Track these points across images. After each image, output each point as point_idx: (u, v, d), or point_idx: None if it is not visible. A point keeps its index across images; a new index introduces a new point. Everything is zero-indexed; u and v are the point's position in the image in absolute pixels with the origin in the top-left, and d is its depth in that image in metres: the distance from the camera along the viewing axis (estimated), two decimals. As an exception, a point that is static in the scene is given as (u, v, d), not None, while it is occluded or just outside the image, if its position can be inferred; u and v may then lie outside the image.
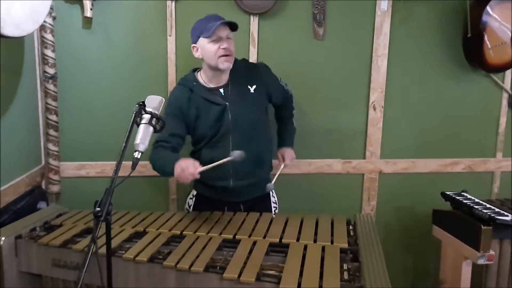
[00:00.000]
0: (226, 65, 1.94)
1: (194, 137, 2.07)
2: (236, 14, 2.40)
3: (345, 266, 1.51)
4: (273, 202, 2.16)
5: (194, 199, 2.16)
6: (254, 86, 2.03)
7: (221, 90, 2.00)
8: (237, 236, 1.75)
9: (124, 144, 1.32)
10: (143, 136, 1.38)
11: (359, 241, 1.71)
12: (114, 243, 1.68)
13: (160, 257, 1.59)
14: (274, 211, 2.14)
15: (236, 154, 1.76)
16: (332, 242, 1.69)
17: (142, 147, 1.36)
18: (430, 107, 2.63)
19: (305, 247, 1.64)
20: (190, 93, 1.99)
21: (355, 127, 2.61)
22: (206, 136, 2.00)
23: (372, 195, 2.66)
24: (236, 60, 2.03)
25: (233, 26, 1.95)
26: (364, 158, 2.63)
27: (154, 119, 1.41)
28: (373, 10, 2.49)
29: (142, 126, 1.40)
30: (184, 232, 1.79)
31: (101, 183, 2.55)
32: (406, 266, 2.75)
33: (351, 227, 1.88)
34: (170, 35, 2.42)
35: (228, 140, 1.98)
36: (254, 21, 2.44)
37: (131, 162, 1.37)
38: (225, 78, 2.00)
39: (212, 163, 1.83)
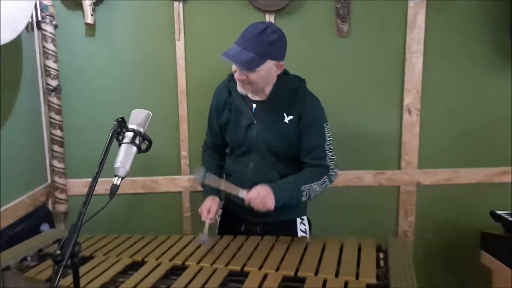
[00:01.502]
0: (241, 90, 1.72)
1: (228, 143, 1.92)
2: (250, 13, 2.20)
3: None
4: (302, 231, 1.87)
5: (222, 209, 1.98)
6: (291, 118, 1.74)
7: (254, 105, 1.77)
8: (246, 268, 1.51)
9: (97, 170, 1.12)
10: (124, 158, 1.18)
11: (390, 275, 1.43)
12: (107, 276, 1.49)
13: (155, 295, 1.39)
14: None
15: (203, 238, 1.67)
16: (357, 277, 1.42)
17: (122, 172, 1.16)
18: (473, 108, 2.30)
19: (324, 283, 1.39)
20: (228, 94, 1.82)
21: (388, 134, 2.32)
22: (233, 145, 1.86)
23: (410, 210, 2.36)
24: (288, 79, 1.77)
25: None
26: (399, 168, 2.34)
27: (138, 137, 1.20)
28: (405, 1, 2.20)
29: (123, 147, 1.19)
30: (186, 263, 1.58)
31: (111, 200, 2.40)
32: (449, 289, 2.42)
33: (381, 255, 1.60)
34: (178, 39, 2.23)
35: (249, 158, 1.80)
36: (270, 20, 2.20)
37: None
38: (264, 93, 1.75)
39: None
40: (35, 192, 2.14)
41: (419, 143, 2.31)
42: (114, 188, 1.15)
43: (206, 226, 1.71)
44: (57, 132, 2.21)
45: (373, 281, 1.39)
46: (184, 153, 2.35)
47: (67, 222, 2.36)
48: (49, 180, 2.29)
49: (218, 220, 1.96)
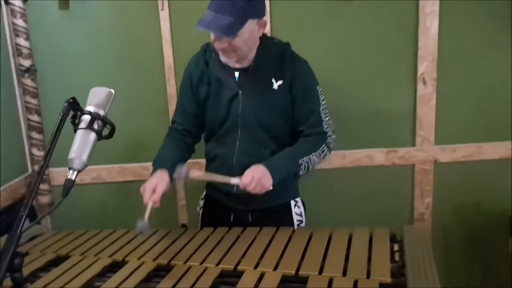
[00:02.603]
0: (225, 60, 1.52)
1: (205, 124, 1.67)
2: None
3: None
4: (297, 214, 1.68)
5: (203, 200, 1.79)
6: (280, 82, 1.54)
7: (236, 74, 1.55)
8: (239, 267, 1.31)
9: (42, 163, 0.91)
10: (80, 147, 0.97)
11: (406, 271, 1.22)
12: (81, 280, 1.30)
13: (134, 302, 1.20)
14: (298, 224, 1.68)
15: (142, 225, 1.37)
16: (368, 275, 1.21)
17: (78, 164, 0.95)
18: (496, 77, 2.04)
19: (330, 283, 1.18)
20: (205, 66, 1.59)
21: (401, 107, 2.08)
22: (213, 124, 1.62)
23: (426, 191, 2.13)
24: (272, 42, 1.57)
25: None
26: (414, 145, 2.10)
27: (97, 121, 0.99)
28: (417, -45, 1.94)
29: (78, 133, 0.98)
30: (172, 262, 1.38)
31: (98, 190, 2.22)
32: (471, 279, 2.20)
33: (396, 247, 1.39)
34: (162, 9, 2.00)
35: (235, 137, 1.58)
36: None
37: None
38: (248, 59, 1.53)
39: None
40: (13, 184, 1.96)
41: (436, 117, 2.07)
42: (69, 183, 0.94)
43: (148, 209, 1.41)
44: (34, 117, 2.02)
45: (387, 279, 1.18)
46: (175, 136, 2.14)
47: (52, 215, 2.18)
48: (29, 170, 2.11)
49: (200, 212, 1.77)
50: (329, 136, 1.59)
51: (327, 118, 1.59)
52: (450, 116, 2.07)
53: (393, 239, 1.45)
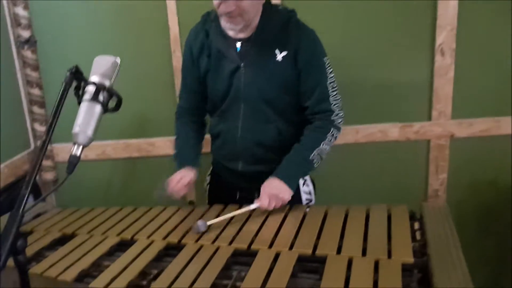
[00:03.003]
0: (230, 26, 1.41)
1: (208, 98, 1.59)
2: None
3: (411, 301, 0.98)
4: (305, 193, 1.62)
5: (210, 176, 1.74)
6: (285, 53, 1.43)
7: (238, 45, 1.45)
8: (253, 246, 1.26)
9: (44, 138, 0.84)
10: (85, 120, 0.90)
11: (429, 250, 1.16)
12: (89, 260, 1.26)
13: (144, 282, 1.15)
14: (307, 204, 1.61)
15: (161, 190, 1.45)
16: (389, 255, 1.15)
17: (83, 138, 0.88)
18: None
19: (350, 263, 1.13)
20: (205, 37, 1.49)
21: (417, 80, 1.99)
22: (215, 98, 1.54)
23: (442, 167, 2.06)
24: (275, 10, 1.46)
25: None
26: (430, 119, 2.02)
27: (102, 92, 0.91)
28: None
29: (83, 106, 0.91)
30: (183, 241, 1.33)
31: (103, 166, 2.16)
32: (486, 258, 2.15)
33: (416, 226, 1.33)
34: (166, -26, 1.89)
35: (238, 112, 1.50)
36: None
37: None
38: (251, 28, 1.43)
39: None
40: (15, 160, 1.90)
41: (454, 90, 1.98)
42: (73, 159, 0.87)
43: (162, 192, 1.47)
44: (36, 91, 1.94)
45: (410, 259, 1.12)
46: (181, 110, 2.06)
47: (57, 192, 2.13)
48: (32, 146, 2.04)
49: (207, 188, 1.71)
50: (337, 114, 1.48)
51: (335, 93, 1.47)
52: (468, 89, 1.98)
53: (412, 217, 1.39)
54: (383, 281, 1.04)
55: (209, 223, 1.36)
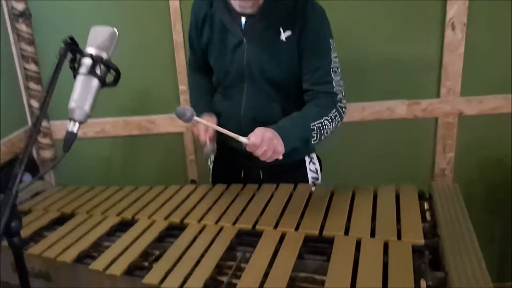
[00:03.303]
0: (237, 3, 1.35)
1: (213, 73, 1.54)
2: None
3: (422, 284, 0.95)
4: (312, 171, 1.57)
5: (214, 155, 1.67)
6: (289, 33, 1.35)
7: (243, 20, 1.38)
8: (258, 226, 1.22)
9: (38, 114, 0.79)
10: (81, 95, 0.84)
11: (440, 231, 1.12)
12: (89, 240, 1.22)
13: (146, 263, 1.11)
14: (313, 183, 1.57)
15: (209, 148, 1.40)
16: (399, 236, 1.11)
17: (79, 114, 0.84)
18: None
19: (358, 244, 1.09)
20: (209, 7, 1.42)
21: (426, 56, 1.93)
22: (219, 74, 1.48)
23: (449, 146, 2.02)
24: None
25: None
26: (438, 96, 1.97)
27: (101, 65, 0.86)
28: None
29: (79, 80, 0.85)
30: (185, 221, 1.29)
31: (102, 144, 2.11)
32: (493, 237, 2.12)
33: (426, 206, 1.28)
34: None
35: (242, 90, 1.44)
36: None
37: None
38: (257, 3, 1.36)
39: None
40: (12, 138, 1.85)
41: (464, 66, 1.92)
42: (70, 137, 0.82)
43: (208, 147, 1.41)
44: (31, 66, 1.88)
45: (420, 241, 1.08)
46: (182, 87, 2.00)
47: (56, 170, 2.09)
48: (29, 123, 1.99)
49: (211, 166, 1.66)
50: (340, 99, 1.39)
51: (338, 78, 1.39)
52: (479, 65, 1.92)
53: (421, 197, 1.34)
54: (393, 263, 1.00)
55: (195, 119, 1.21)
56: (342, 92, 1.40)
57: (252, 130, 1.44)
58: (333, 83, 1.37)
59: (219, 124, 1.53)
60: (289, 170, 1.51)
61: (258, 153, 1.22)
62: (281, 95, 1.43)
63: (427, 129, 2.01)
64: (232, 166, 1.58)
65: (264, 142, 1.21)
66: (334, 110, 1.38)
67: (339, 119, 1.39)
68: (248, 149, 1.23)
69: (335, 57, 1.38)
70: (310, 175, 1.55)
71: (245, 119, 1.43)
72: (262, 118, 1.40)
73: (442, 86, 1.95)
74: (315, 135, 1.34)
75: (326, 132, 1.37)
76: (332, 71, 1.37)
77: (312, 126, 1.33)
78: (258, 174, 1.53)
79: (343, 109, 1.40)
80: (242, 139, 1.23)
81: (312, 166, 1.56)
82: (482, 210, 2.09)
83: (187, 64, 1.63)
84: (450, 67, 1.91)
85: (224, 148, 1.59)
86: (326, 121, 1.36)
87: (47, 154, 2.01)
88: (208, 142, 1.40)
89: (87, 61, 0.86)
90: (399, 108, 1.98)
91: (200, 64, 1.56)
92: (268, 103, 1.43)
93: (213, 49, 1.45)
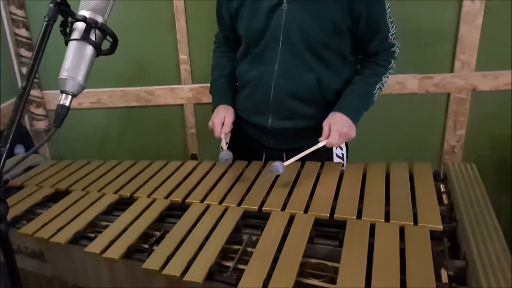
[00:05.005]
0: None
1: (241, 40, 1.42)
2: None
3: (443, 274, 0.88)
4: (338, 156, 1.46)
5: (232, 133, 1.51)
6: None
7: None
8: (264, 207, 1.15)
9: (25, 83, 0.70)
10: (74, 64, 0.75)
11: (459, 215, 1.05)
12: (85, 220, 1.15)
13: (146, 246, 1.05)
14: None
15: (225, 155, 1.31)
16: (415, 221, 1.04)
17: (71, 86, 0.75)
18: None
19: (372, 229, 1.02)
20: None
21: (441, 27, 1.83)
22: (249, 39, 1.35)
23: (460, 122, 1.94)
24: None
25: None
26: (452, 71, 1.87)
27: (95, 30, 0.76)
28: None
29: (71, 46, 0.76)
30: (187, 200, 1.22)
31: (98, 115, 2.02)
32: (504, 215, 2.07)
33: (442, 188, 1.21)
34: None
35: (275, 56, 1.30)
36: None
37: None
38: None
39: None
40: (3, 108, 1.75)
41: (481, 39, 1.82)
42: (61, 110, 0.74)
43: (223, 141, 1.35)
44: (22, 32, 1.76)
45: (439, 226, 1.02)
46: (183, 56, 1.90)
47: (50, 143, 2.01)
48: (21, 93, 1.89)
49: (226, 146, 1.56)
50: (397, 46, 1.35)
51: (394, 26, 1.31)
52: (497, 38, 1.82)
53: (436, 178, 1.27)
54: (411, 250, 0.94)
55: (286, 163, 1.22)
56: (396, 38, 1.34)
57: (281, 105, 1.34)
58: (389, 36, 1.31)
59: (244, 96, 1.43)
60: (314, 153, 1.35)
61: (334, 146, 1.27)
62: (319, 63, 1.30)
63: (438, 104, 1.93)
64: (254, 146, 1.48)
65: (341, 139, 1.27)
66: (392, 61, 1.35)
67: (395, 65, 1.37)
68: (327, 146, 1.27)
69: (388, 6, 1.28)
70: (336, 160, 1.45)
71: (275, 91, 1.32)
72: (295, 88, 1.30)
73: (457, 60, 1.85)
74: (376, 97, 1.35)
75: (383, 88, 1.37)
76: (389, 22, 1.29)
77: (375, 92, 1.34)
78: (282, 157, 1.41)
79: (397, 52, 1.37)
80: (321, 144, 1.26)
81: (338, 151, 1.46)
82: (493, 189, 2.02)
83: (214, 41, 1.52)
84: (466, 39, 1.81)
85: (244, 125, 1.48)
86: (385, 78, 1.35)
87: (41, 125, 1.92)
88: (223, 137, 1.36)
89: (80, 25, 0.76)
90: (410, 83, 1.89)
91: (228, 38, 1.46)
92: (304, 72, 1.31)
93: (245, 12, 1.31)
